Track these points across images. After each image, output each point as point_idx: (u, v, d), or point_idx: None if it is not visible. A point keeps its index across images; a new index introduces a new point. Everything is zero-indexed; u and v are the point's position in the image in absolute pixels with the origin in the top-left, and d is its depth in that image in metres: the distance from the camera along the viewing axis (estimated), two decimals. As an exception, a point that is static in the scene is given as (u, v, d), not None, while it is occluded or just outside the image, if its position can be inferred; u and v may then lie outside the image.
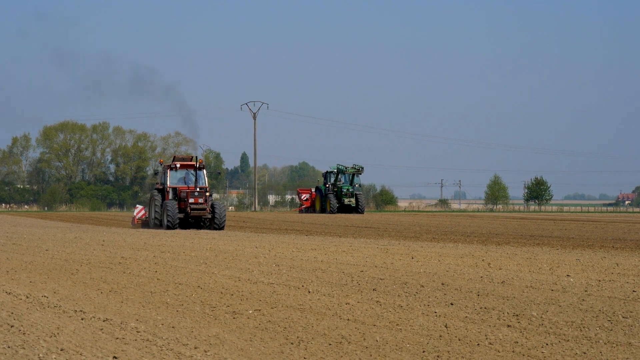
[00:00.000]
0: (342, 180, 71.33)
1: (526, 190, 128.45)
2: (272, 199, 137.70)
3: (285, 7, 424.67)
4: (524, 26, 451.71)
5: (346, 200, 69.13)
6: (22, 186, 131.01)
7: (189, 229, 38.74)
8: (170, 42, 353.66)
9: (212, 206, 38.51)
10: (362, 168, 71.40)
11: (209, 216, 38.62)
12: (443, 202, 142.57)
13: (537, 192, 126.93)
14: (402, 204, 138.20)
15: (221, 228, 38.24)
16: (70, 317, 11.68)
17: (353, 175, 71.28)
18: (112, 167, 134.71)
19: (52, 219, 62.82)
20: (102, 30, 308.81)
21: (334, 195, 69.48)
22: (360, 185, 73.17)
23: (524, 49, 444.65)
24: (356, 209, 69.42)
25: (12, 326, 10.88)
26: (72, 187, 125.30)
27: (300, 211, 74.91)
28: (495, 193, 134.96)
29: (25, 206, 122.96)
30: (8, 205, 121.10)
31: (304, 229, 40.18)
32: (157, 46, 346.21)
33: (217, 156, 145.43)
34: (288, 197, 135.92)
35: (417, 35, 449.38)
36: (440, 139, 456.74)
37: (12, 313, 11.94)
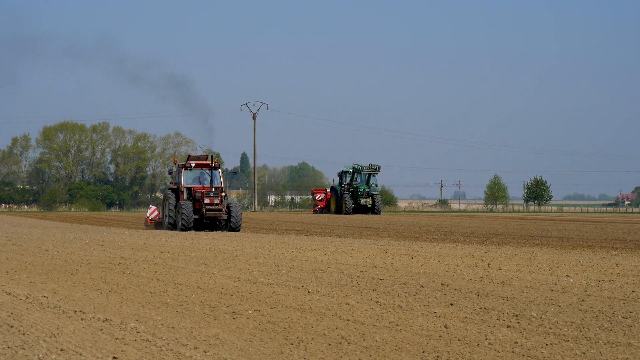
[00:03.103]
0: (358, 180, 69.44)
1: (526, 191, 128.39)
2: (271, 199, 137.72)
3: (285, 7, 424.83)
4: (524, 26, 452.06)
5: (362, 201, 67.27)
6: (21, 186, 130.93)
7: (204, 230, 37.53)
8: (169, 42, 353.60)
9: (228, 207, 37.21)
10: (379, 168, 69.36)
11: (225, 217, 37.22)
12: (443, 202, 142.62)
13: (537, 192, 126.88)
14: (401, 204, 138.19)
15: (237, 230, 36.88)
16: (70, 317, 11.68)
17: (369, 175, 69.35)
18: (112, 167, 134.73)
19: (51, 219, 62.80)
20: (100, 31, 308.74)
21: (350, 196, 67.58)
22: (376, 185, 70.89)
23: (524, 49, 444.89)
24: (372, 210, 67.49)
25: (11, 326, 10.88)
26: (72, 187, 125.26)
27: (315, 212, 72.64)
28: (495, 193, 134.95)
29: (25, 206, 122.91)
30: (8, 206, 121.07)
31: (303, 229, 40.15)
32: (156, 46, 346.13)
33: (217, 156, 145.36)
34: (288, 197, 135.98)
35: (417, 36, 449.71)
36: (440, 139, 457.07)
37: (12, 313, 11.94)
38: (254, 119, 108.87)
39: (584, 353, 9.50)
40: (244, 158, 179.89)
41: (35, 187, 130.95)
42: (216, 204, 37.12)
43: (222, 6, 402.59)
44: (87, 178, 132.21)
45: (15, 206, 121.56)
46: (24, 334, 10.41)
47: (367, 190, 68.00)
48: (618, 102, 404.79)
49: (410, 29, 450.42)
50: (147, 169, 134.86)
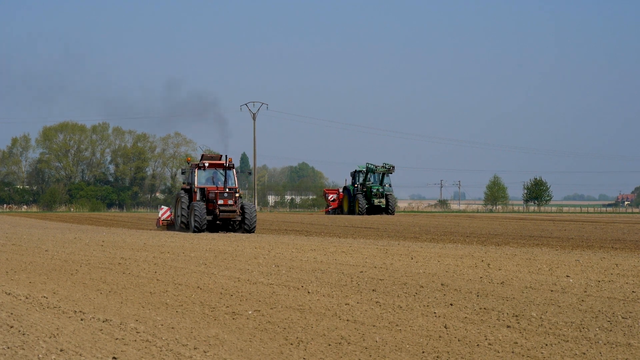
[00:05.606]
0: (372, 180, 68.16)
1: (525, 191, 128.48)
2: (271, 199, 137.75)
3: (285, 7, 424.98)
4: (523, 26, 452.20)
5: (376, 201, 65.96)
6: (21, 187, 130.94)
7: (218, 231, 37.00)
8: (168, 42, 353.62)
9: (242, 208, 36.38)
10: (393, 167, 67.99)
11: (239, 218, 36.51)
12: (442, 202, 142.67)
13: (537, 192, 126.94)
14: (401, 204, 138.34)
15: (251, 231, 36.09)
16: (69, 317, 11.68)
17: (383, 174, 68.05)
18: (112, 167, 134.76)
19: (51, 219, 62.80)
20: (101, 32, 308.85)
21: (363, 196, 66.37)
22: (390, 185, 69.12)
23: (524, 49, 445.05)
24: (386, 210, 66.25)
25: (11, 327, 10.88)
26: (72, 187, 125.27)
27: (327, 212, 71.22)
28: (495, 193, 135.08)
29: (25, 207, 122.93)
30: (7, 206, 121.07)
31: (303, 229, 40.15)
32: (155, 46, 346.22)
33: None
34: (287, 197, 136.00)
35: (417, 36, 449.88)
36: (440, 139, 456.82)
37: (12, 314, 11.94)
38: (254, 119, 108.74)
39: (584, 353, 9.50)
40: (243, 158, 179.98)
41: (35, 188, 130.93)
42: (230, 205, 36.38)
43: (221, 6, 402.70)
44: (87, 178, 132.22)
45: (15, 206, 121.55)
46: (23, 334, 10.41)
47: (380, 190, 66.71)
48: (617, 102, 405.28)
49: (410, 29, 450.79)
50: (147, 169, 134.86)
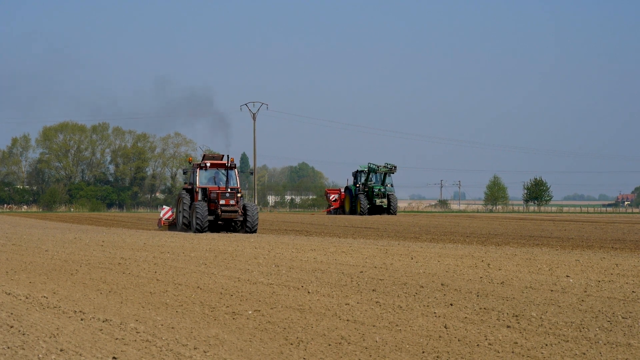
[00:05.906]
0: (374, 180, 67.86)
1: (525, 191, 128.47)
2: (271, 199, 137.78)
3: (285, 7, 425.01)
4: (523, 26, 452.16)
5: (378, 201, 65.67)
6: (21, 187, 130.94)
7: (219, 231, 36.95)
8: (167, 42, 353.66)
9: (244, 208, 36.35)
10: (395, 167, 67.71)
11: (241, 218, 36.42)
12: (442, 202, 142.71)
13: (537, 192, 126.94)
14: (401, 204, 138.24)
15: (254, 231, 36.03)
16: (69, 317, 11.68)
17: (385, 174, 67.75)
18: (112, 167, 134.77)
19: (51, 219, 62.81)
20: (98, 32, 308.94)
21: (365, 196, 66.05)
22: (392, 185, 68.77)
23: (524, 49, 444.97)
24: (388, 210, 66.01)
25: (11, 327, 10.88)
26: (72, 187, 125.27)
27: (329, 212, 70.92)
28: (495, 194, 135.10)
29: (25, 207, 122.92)
30: (7, 206, 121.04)
31: (303, 229, 40.15)
32: (154, 46, 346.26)
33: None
34: (287, 197, 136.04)
35: (417, 36, 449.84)
36: (440, 139, 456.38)
37: (12, 313, 11.94)
38: (254, 119, 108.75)
39: (584, 353, 9.51)
40: (243, 158, 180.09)
41: (35, 188, 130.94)
42: (232, 205, 36.27)
43: (221, 6, 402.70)
44: (87, 178, 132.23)
45: (15, 206, 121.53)
46: (24, 334, 10.41)
47: (382, 190, 66.47)
48: (618, 102, 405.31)
49: (410, 28, 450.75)
50: (147, 169, 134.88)
